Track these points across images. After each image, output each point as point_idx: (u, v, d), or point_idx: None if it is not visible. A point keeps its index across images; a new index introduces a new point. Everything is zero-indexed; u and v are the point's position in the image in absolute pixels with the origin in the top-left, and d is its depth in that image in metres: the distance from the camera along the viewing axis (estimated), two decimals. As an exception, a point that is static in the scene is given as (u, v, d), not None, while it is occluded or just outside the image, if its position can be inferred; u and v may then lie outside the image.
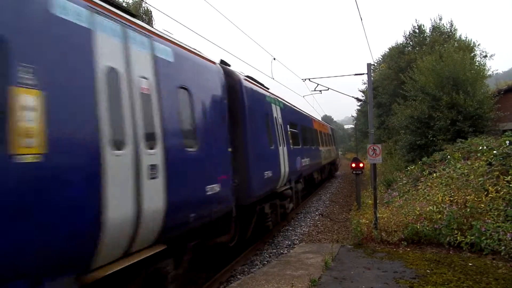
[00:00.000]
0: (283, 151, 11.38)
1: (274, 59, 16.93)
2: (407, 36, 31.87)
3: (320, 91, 21.25)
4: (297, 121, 14.94)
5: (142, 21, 5.42)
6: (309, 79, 20.48)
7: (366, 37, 30.78)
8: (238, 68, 9.60)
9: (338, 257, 8.20)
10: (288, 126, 12.82)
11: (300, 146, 14.52)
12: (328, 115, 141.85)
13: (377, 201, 10.35)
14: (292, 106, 15.15)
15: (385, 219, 10.00)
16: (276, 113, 11.48)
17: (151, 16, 27.04)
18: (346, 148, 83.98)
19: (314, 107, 58.02)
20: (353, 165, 15.04)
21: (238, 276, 7.99)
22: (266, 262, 8.89)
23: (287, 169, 11.55)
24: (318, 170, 21.13)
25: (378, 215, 9.89)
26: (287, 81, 22.49)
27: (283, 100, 13.14)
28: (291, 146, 12.80)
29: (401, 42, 32.88)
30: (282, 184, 11.35)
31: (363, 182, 21.35)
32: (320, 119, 26.37)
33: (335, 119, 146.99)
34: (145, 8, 26.69)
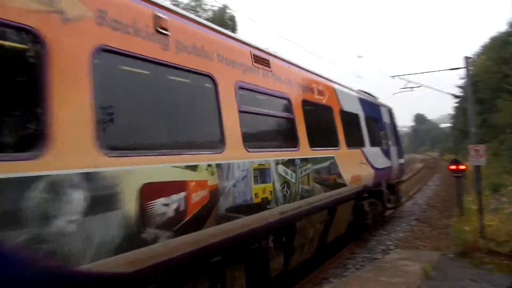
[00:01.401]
0: None
1: (359, 57, 16.58)
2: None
3: (412, 88, 20.13)
4: None
5: None
6: (398, 76, 19.60)
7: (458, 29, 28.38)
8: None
9: (438, 266, 7.71)
10: None
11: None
12: (420, 113, 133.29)
13: (483, 207, 9.49)
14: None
15: (493, 227, 9.16)
16: None
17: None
18: (443, 149, 78.44)
19: (404, 106, 54.97)
20: (453, 167, 14.08)
21: (331, 279, 7.97)
22: (359, 266, 8.73)
23: None
24: None
25: (485, 222, 9.07)
26: (374, 78, 21.75)
27: None
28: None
29: (504, 31, 29.71)
30: None
31: (464, 186, 19.65)
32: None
33: (429, 118, 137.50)
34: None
